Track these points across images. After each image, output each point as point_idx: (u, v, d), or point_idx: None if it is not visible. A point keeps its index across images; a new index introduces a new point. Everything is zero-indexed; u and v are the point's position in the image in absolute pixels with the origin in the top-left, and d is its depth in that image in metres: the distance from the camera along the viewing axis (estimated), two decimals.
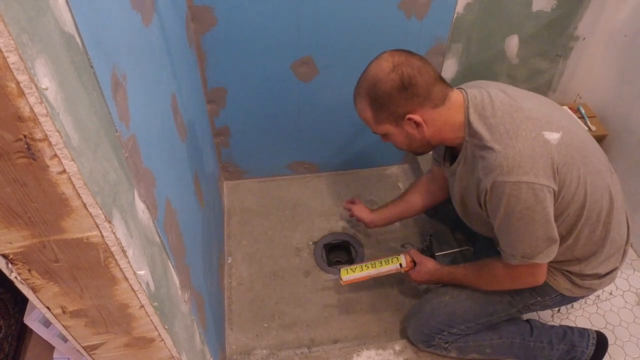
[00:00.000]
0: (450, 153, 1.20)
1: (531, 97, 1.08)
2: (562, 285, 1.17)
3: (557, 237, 1.02)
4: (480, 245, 1.46)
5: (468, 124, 1.04)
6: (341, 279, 1.42)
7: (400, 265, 1.38)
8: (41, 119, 0.41)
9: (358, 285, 1.60)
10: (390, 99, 1.01)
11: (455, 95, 1.06)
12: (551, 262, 1.07)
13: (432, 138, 1.08)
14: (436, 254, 1.49)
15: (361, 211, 1.57)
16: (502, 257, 1.10)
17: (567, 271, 1.16)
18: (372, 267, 1.41)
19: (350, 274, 1.42)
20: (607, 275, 1.17)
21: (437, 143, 1.11)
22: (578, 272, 1.15)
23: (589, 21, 1.66)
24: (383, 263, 1.40)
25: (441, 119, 1.05)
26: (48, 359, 1.34)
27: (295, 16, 1.45)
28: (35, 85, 0.39)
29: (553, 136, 0.99)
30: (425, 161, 1.89)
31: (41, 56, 0.41)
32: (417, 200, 1.48)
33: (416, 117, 1.03)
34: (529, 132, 0.98)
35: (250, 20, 1.44)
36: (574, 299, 1.24)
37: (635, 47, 1.60)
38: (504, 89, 1.07)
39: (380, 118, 1.06)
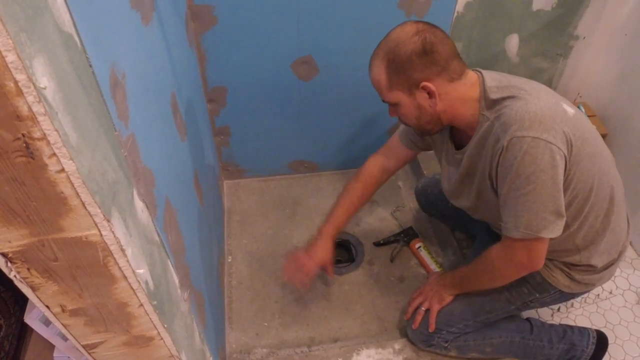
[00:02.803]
0: (455, 139, 1.18)
1: (540, 84, 1.09)
2: (561, 281, 1.17)
3: (564, 214, 0.99)
4: (479, 244, 1.46)
5: (484, 97, 1.02)
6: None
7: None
8: (39, 118, 0.41)
9: (358, 285, 1.62)
10: (408, 63, 1.00)
11: (471, 74, 1.06)
12: (550, 253, 1.06)
13: (443, 113, 1.06)
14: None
15: (310, 265, 1.35)
16: (503, 231, 1.04)
17: (566, 263, 1.15)
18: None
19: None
20: (605, 270, 1.17)
21: (448, 121, 1.08)
22: (577, 263, 1.14)
23: (589, 20, 1.66)
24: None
25: (455, 94, 1.03)
26: (48, 358, 1.34)
27: (296, 15, 1.45)
28: (34, 84, 0.40)
29: (569, 109, 1.00)
30: (426, 160, 1.89)
31: (40, 55, 0.41)
32: (372, 190, 1.42)
33: (431, 85, 1.01)
34: (550, 98, 0.99)
35: (251, 20, 1.44)
36: (573, 296, 1.24)
37: (636, 46, 1.60)
38: (513, 75, 1.09)
39: (394, 83, 1.04)
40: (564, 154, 0.95)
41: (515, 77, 1.07)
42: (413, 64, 1.00)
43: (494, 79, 1.04)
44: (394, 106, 1.10)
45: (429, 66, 1.00)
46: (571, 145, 0.96)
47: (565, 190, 0.98)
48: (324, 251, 1.39)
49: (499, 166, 0.99)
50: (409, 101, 1.06)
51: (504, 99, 1.00)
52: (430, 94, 1.02)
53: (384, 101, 1.11)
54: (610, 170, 1.08)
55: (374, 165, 1.42)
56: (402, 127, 1.37)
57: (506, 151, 0.96)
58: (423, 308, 1.33)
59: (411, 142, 1.35)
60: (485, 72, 1.06)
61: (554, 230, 0.99)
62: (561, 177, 0.96)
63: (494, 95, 1.01)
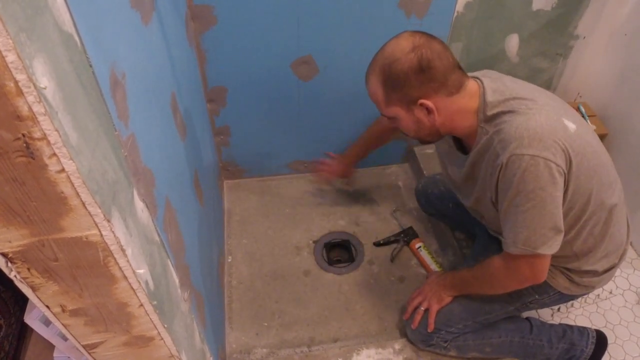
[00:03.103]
0: (459, 144, 1.17)
1: (543, 91, 1.08)
2: (561, 283, 1.17)
3: (563, 228, 0.99)
4: (479, 244, 1.46)
5: (483, 109, 1.01)
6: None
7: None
8: (40, 118, 0.41)
9: (358, 285, 1.62)
10: (405, 80, 0.98)
11: (471, 84, 1.04)
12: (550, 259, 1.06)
13: (441, 126, 1.05)
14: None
15: (334, 168, 1.69)
16: (503, 247, 1.05)
17: (565, 268, 1.15)
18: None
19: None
20: (605, 273, 1.16)
21: (446, 132, 1.08)
22: (576, 269, 1.14)
23: (589, 20, 1.66)
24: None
25: (454, 108, 1.02)
26: (48, 358, 1.34)
27: (296, 15, 1.45)
28: (34, 84, 0.40)
29: (570, 125, 0.99)
30: (426, 161, 1.89)
31: (39, 55, 0.41)
32: (384, 138, 1.58)
33: (429, 103, 0.99)
34: (551, 114, 0.97)
35: (250, 20, 1.44)
36: (573, 297, 1.24)
37: (636, 45, 1.60)
38: (516, 81, 1.07)
39: (391, 99, 1.02)
40: (563, 170, 0.95)
41: (518, 84, 1.05)
42: (410, 82, 0.98)
43: (495, 90, 1.02)
44: (392, 119, 1.09)
45: (426, 83, 0.98)
46: (570, 162, 0.96)
47: (562, 203, 0.98)
48: (344, 163, 1.68)
49: (499, 182, 0.99)
50: (407, 116, 1.04)
51: (504, 113, 0.99)
52: (429, 110, 1.01)
53: (382, 114, 1.10)
54: (611, 180, 1.08)
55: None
56: None
57: (505, 168, 0.95)
58: (422, 308, 1.33)
59: None
60: (486, 81, 1.04)
61: (553, 246, 0.99)
62: (560, 194, 0.96)
63: (494, 110, 1.00)
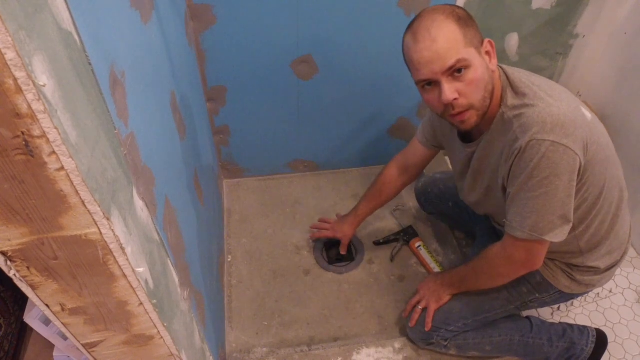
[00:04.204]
0: (463, 134, 1.15)
1: (555, 83, 1.07)
2: (562, 282, 1.17)
3: (572, 219, 0.98)
4: (479, 243, 1.46)
5: (506, 92, 1.00)
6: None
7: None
8: (39, 116, 0.41)
9: (358, 284, 1.62)
10: (471, 19, 0.96)
11: None
12: (552, 254, 1.06)
13: (492, 92, 0.99)
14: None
15: (335, 230, 1.63)
16: (506, 229, 1.04)
17: (568, 264, 1.15)
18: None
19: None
20: (607, 272, 1.17)
21: (487, 108, 1.00)
22: (580, 265, 1.14)
23: (588, 19, 1.66)
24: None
25: (495, 74, 1.01)
26: (48, 357, 1.34)
27: (295, 14, 1.45)
28: (33, 82, 0.39)
29: (587, 114, 0.99)
30: None
31: (39, 53, 0.41)
32: (391, 187, 1.51)
33: (492, 42, 0.98)
34: (570, 102, 0.97)
35: (250, 19, 1.44)
36: (573, 297, 1.24)
37: (635, 45, 1.60)
38: (529, 72, 1.07)
39: (468, 37, 0.94)
40: (580, 160, 0.94)
41: (536, 76, 1.05)
42: (474, 21, 0.97)
43: (515, 76, 1.02)
44: (453, 76, 0.94)
45: (479, 30, 0.97)
46: (587, 151, 0.95)
47: (576, 194, 0.97)
48: (345, 229, 1.61)
49: (514, 166, 0.98)
50: (480, 60, 0.96)
51: (526, 97, 0.98)
52: (490, 54, 0.99)
53: (452, 68, 0.93)
54: (619, 174, 1.08)
55: (395, 163, 1.48)
56: (420, 125, 1.37)
57: (524, 152, 0.94)
58: (420, 307, 1.33)
59: (425, 139, 1.35)
60: (506, 68, 1.04)
61: (559, 234, 0.99)
62: (574, 183, 0.95)
63: (516, 93, 0.99)
